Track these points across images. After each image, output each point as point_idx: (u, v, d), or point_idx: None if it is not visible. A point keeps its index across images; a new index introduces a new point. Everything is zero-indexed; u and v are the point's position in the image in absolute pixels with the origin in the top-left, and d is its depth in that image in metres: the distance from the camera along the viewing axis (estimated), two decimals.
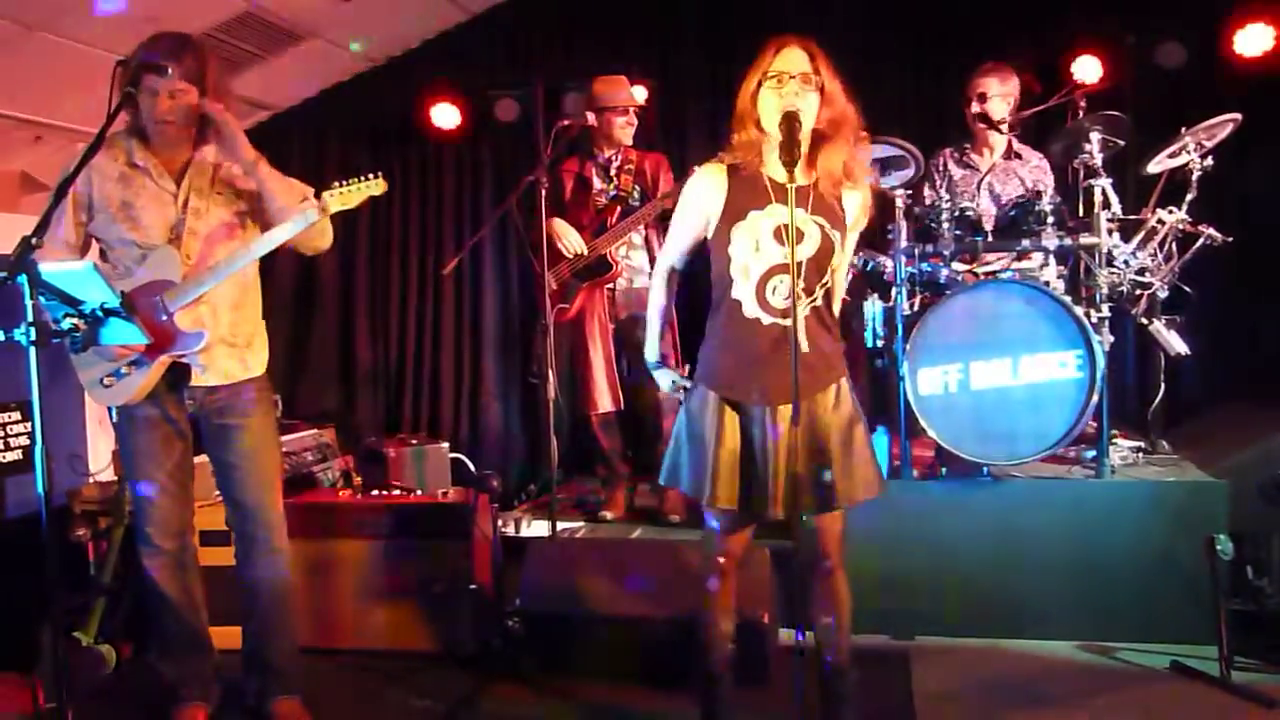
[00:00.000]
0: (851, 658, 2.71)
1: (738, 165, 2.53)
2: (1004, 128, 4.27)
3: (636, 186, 4.16)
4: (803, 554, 2.63)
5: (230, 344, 3.00)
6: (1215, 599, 3.26)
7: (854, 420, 2.56)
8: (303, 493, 4.09)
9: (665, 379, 2.77)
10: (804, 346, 2.45)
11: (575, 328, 4.23)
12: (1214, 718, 3.02)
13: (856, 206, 2.57)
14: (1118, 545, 3.59)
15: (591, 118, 4.16)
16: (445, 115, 5.33)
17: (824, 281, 2.52)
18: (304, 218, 2.93)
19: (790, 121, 2.39)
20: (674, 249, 2.70)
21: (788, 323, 2.44)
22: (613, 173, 4.20)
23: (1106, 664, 3.46)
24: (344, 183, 2.95)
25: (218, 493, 3.32)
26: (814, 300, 2.52)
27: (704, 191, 2.57)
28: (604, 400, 4.15)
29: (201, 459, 3.17)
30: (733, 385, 2.55)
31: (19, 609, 3.56)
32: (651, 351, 2.77)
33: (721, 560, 2.66)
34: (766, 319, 2.51)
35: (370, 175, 2.97)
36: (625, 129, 4.17)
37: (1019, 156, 4.43)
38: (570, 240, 4.11)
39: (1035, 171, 4.42)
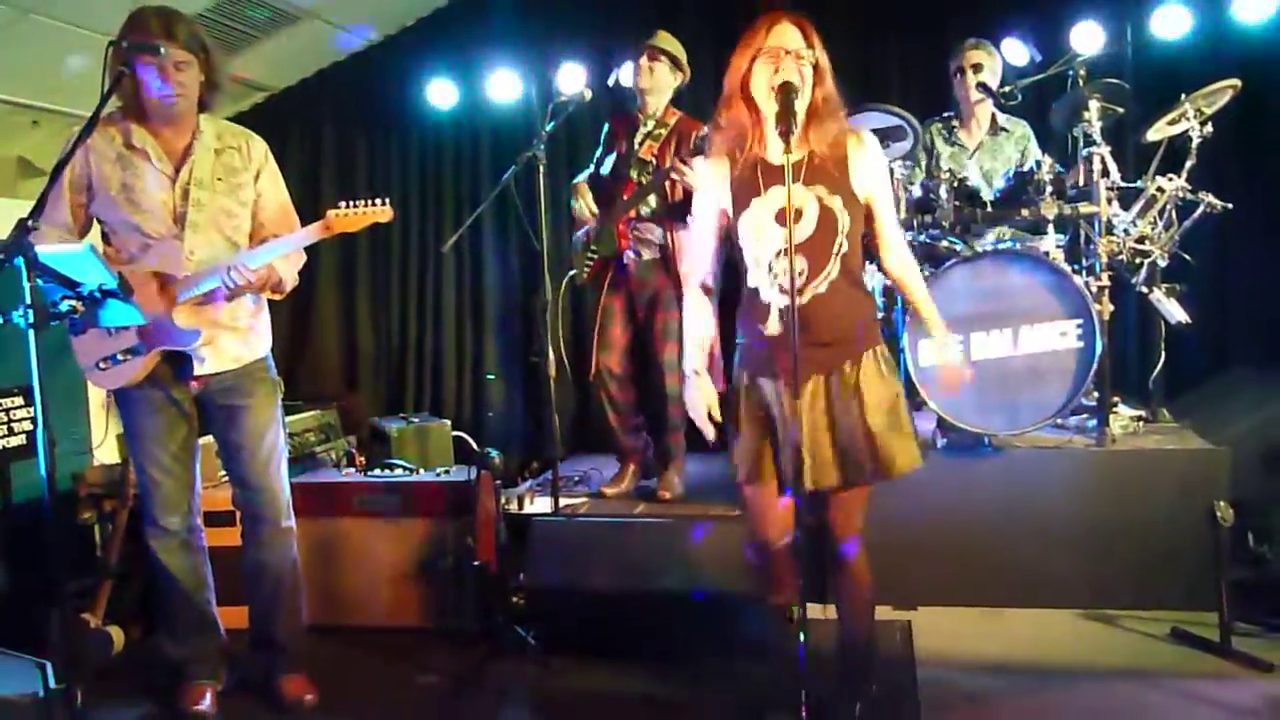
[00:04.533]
0: (870, 633, 2.73)
1: (735, 155, 2.54)
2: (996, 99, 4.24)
3: (654, 158, 4.05)
4: (821, 529, 2.63)
5: (231, 329, 3.01)
6: (1216, 566, 3.27)
7: (884, 391, 2.52)
8: (306, 472, 4.11)
9: (693, 391, 2.66)
10: (815, 324, 2.46)
11: (593, 294, 4.20)
12: (1214, 682, 3.03)
13: (865, 157, 2.52)
14: (1119, 514, 3.61)
15: (583, 88, 4.08)
16: (442, 93, 5.31)
17: (837, 250, 2.49)
18: (309, 233, 2.93)
19: (786, 92, 2.38)
20: (697, 255, 2.68)
21: (800, 301, 2.45)
22: (638, 139, 4.06)
23: (1108, 631, 3.48)
24: (351, 204, 2.93)
25: (223, 473, 3.36)
26: (827, 276, 2.49)
27: (706, 185, 2.60)
28: (606, 356, 4.12)
29: (207, 440, 3.20)
30: (758, 367, 2.58)
31: (28, 591, 3.60)
32: (688, 361, 2.70)
33: (759, 545, 2.67)
34: (780, 301, 2.50)
35: (377, 201, 2.95)
36: (648, 75, 3.97)
37: (1005, 130, 4.41)
38: (579, 206, 4.09)
39: (1021, 141, 4.40)
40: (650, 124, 4.05)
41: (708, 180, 2.61)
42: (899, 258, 2.63)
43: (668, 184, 3.96)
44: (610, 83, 4.16)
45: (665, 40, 4.03)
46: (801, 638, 2.42)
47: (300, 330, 5.65)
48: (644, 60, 4.00)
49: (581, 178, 4.22)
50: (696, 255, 2.69)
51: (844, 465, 2.50)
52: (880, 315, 4.18)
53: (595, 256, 4.09)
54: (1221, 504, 3.26)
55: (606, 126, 4.23)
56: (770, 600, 2.76)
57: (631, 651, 3.34)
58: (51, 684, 2.75)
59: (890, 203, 2.61)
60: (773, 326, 2.52)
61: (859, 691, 2.71)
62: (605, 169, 4.14)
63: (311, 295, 5.62)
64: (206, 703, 3.09)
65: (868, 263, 4.22)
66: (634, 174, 4.02)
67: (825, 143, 2.49)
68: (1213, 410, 4.10)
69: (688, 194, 3.90)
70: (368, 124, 5.64)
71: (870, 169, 2.53)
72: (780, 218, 2.46)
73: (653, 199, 4.01)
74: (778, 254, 2.48)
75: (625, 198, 4.01)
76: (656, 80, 4.01)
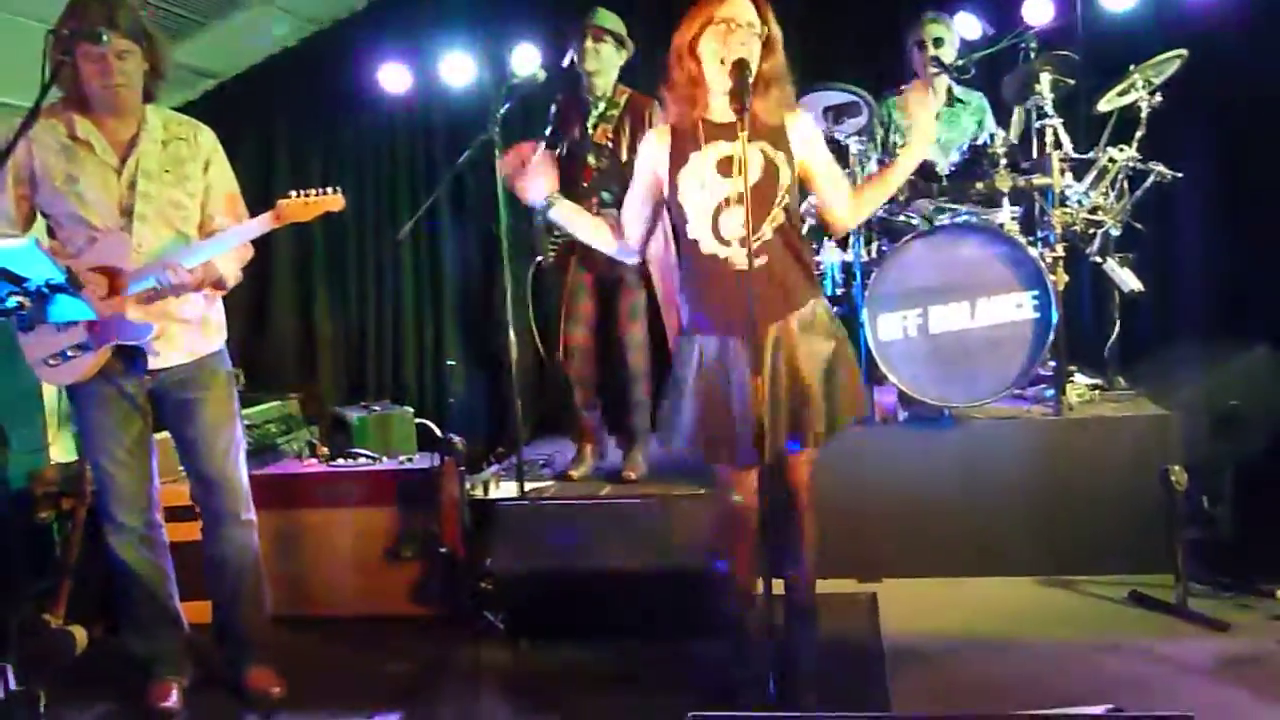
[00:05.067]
0: (815, 599, 2.75)
1: (675, 125, 2.59)
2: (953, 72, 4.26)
3: (609, 141, 4.00)
4: (772, 493, 2.64)
5: (184, 321, 2.96)
6: (1171, 529, 3.33)
7: (831, 340, 2.57)
8: (268, 464, 4.07)
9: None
10: (764, 273, 2.49)
11: (554, 280, 4.17)
12: (1171, 643, 3.10)
13: (801, 127, 2.59)
14: (1076, 481, 3.67)
15: (537, 69, 4.03)
16: (394, 77, 5.24)
17: (779, 200, 2.52)
18: (258, 224, 2.89)
19: (741, 69, 2.40)
20: (628, 218, 2.72)
21: (733, 255, 2.50)
22: (591, 121, 4.00)
23: (1068, 596, 3.55)
24: (301, 193, 2.89)
25: (182, 468, 3.32)
26: (773, 221, 2.52)
27: (650, 150, 2.63)
28: (574, 333, 4.08)
29: (164, 435, 3.16)
30: (704, 324, 2.59)
31: None
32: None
33: (734, 507, 2.68)
34: (723, 252, 2.53)
35: (328, 189, 2.91)
36: (595, 56, 3.91)
37: (961, 102, 4.44)
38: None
39: (977, 113, 4.44)
40: (601, 105, 4.01)
41: (647, 147, 2.65)
42: (849, 198, 2.67)
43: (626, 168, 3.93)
44: (565, 63, 4.12)
45: (606, 18, 3.98)
46: (770, 613, 2.45)
47: (257, 321, 5.58)
48: (589, 43, 3.94)
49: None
50: (628, 218, 2.73)
51: (788, 426, 2.52)
52: (840, 291, 4.22)
53: (560, 239, 4.07)
54: (1175, 468, 3.31)
55: (554, 108, 4.17)
56: (733, 575, 2.77)
57: (601, 632, 3.35)
58: (13, 685, 2.71)
59: (835, 166, 2.67)
60: (719, 276, 2.53)
61: (810, 659, 2.74)
62: (561, 152, 4.09)
63: (268, 285, 5.55)
64: (173, 699, 3.05)
65: (826, 241, 4.28)
66: (591, 159, 3.99)
67: (765, 110, 2.52)
68: (1164, 376, 4.18)
69: None
70: (320, 110, 5.55)
71: (806, 137, 2.59)
72: (722, 168, 2.51)
73: (614, 183, 3.98)
74: (723, 201, 2.51)
75: (585, 184, 3.98)
76: (603, 60, 3.96)
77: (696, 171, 2.55)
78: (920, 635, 3.27)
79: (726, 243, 2.53)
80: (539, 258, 4.10)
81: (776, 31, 2.51)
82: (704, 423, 2.58)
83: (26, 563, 3.73)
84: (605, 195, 3.97)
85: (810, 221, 3.93)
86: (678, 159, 2.57)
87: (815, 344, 2.55)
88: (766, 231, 2.52)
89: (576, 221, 2.77)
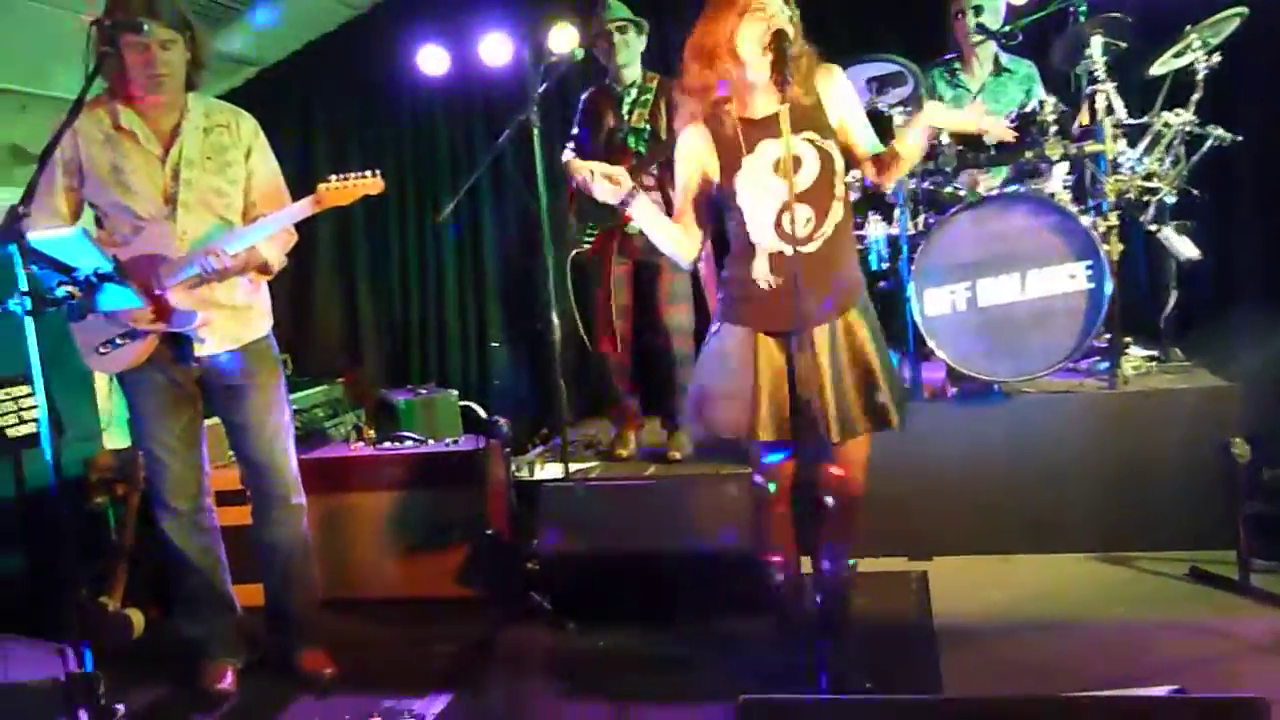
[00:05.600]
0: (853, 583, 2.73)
1: (712, 119, 2.52)
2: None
3: (648, 125, 4.00)
4: (811, 480, 2.60)
5: (230, 308, 2.98)
6: (1232, 503, 3.24)
7: (878, 341, 2.57)
8: (315, 448, 4.11)
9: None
10: (823, 272, 2.47)
11: (594, 270, 4.16)
12: (1233, 620, 3.02)
13: (831, 85, 2.52)
14: (1133, 455, 3.58)
15: (575, 48, 4.01)
16: (433, 60, 5.22)
17: (838, 194, 2.49)
18: (299, 208, 2.89)
19: (780, 40, 2.36)
20: (686, 219, 2.63)
21: (808, 250, 2.46)
22: (625, 108, 4.04)
23: (1125, 573, 3.47)
24: (341, 177, 2.89)
25: (232, 453, 3.36)
26: (834, 220, 2.49)
27: (694, 152, 2.56)
28: (605, 343, 4.10)
29: (214, 421, 3.19)
30: (768, 318, 2.53)
31: (46, 578, 3.62)
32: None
33: (774, 491, 2.66)
34: (789, 250, 2.47)
35: (368, 172, 2.90)
36: (624, 50, 3.96)
37: (1008, 71, 4.33)
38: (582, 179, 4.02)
39: (1026, 82, 4.32)
40: (634, 91, 4.02)
41: (688, 148, 2.57)
42: (882, 157, 2.58)
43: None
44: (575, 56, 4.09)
45: (620, 8, 4.00)
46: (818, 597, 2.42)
47: (301, 307, 5.63)
48: (616, 37, 3.96)
49: (568, 155, 4.12)
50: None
51: (866, 411, 2.50)
52: (885, 265, 4.15)
53: (595, 231, 4.05)
54: (1237, 440, 3.22)
55: (583, 103, 4.15)
56: (772, 557, 2.73)
57: (648, 613, 3.34)
58: (72, 668, 2.76)
59: (866, 123, 2.59)
60: (779, 277, 2.50)
61: (845, 641, 2.71)
62: (599, 142, 4.06)
63: (311, 271, 5.60)
64: (228, 680, 3.11)
65: (871, 215, 4.21)
66: (631, 142, 3.97)
67: (802, 89, 2.47)
68: (1224, 347, 4.06)
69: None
70: (359, 95, 5.58)
71: (842, 99, 2.53)
72: (778, 169, 2.45)
73: (654, 168, 3.95)
74: (784, 204, 2.45)
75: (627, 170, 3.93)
76: (631, 50, 4.00)
77: (753, 176, 2.49)
78: (972, 614, 3.22)
79: (791, 240, 2.45)
80: (576, 251, 4.08)
81: (798, 17, 2.47)
82: (757, 409, 2.53)
83: (83, 548, 3.79)
84: (646, 179, 3.95)
85: (854, 195, 3.86)
86: (729, 163, 2.51)
87: (875, 332, 2.55)
88: (829, 228, 2.48)
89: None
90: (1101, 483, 3.59)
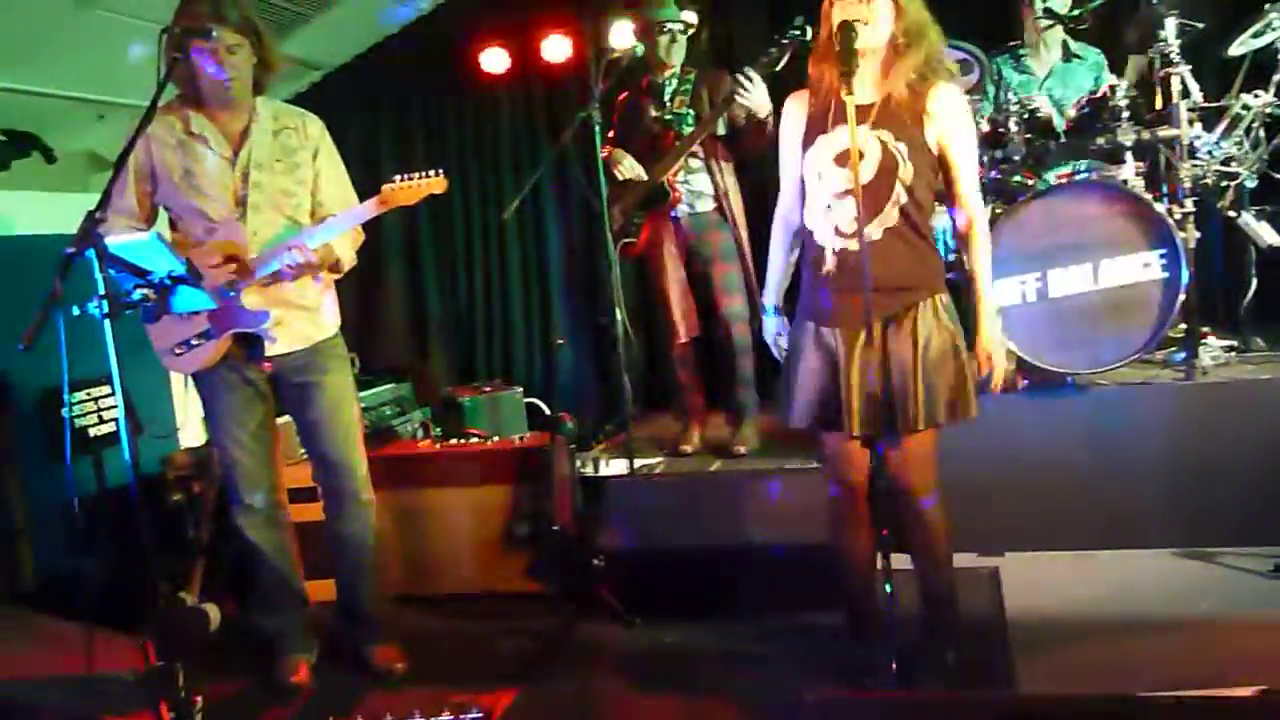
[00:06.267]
0: (950, 587, 2.68)
1: (817, 89, 2.51)
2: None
3: (690, 110, 4.01)
4: (883, 477, 2.58)
5: (300, 307, 3.04)
6: None
7: (941, 340, 2.47)
8: (384, 446, 4.17)
9: (771, 325, 2.75)
10: (845, 277, 2.45)
11: (646, 261, 4.15)
12: None
13: (945, 108, 2.46)
14: (1213, 448, 3.48)
15: (635, 43, 4.03)
16: (495, 59, 5.27)
17: (895, 198, 2.44)
18: (366, 209, 2.93)
19: (844, 32, 2.33)
20: (784, 189, 2.66)
21: (850, 246, 2.44)
22: (667, 97, 4.07)
23: (1206, 570, 3.37)
24: (405, 177, 2.93)
25: (303, 451, 3.41)
26: (882, 223, 2.45)
27: (788, 122, 2.60)
28: (682, 329, 4.09)
29: (286, 420, 3.25)
30: (815, 312, 2.55)
31: (127, 573, 3.72)
32: (768, 296, 2.76)
33: (841, 484, 2.65)
34: (837, 244, 2.48)
35: (431, 172, 2.93)
36: (670, 49, 4.03)
37: (1078, 57, 4.23)
38: (625, 166, 4.02)
39: (1095, 69, 4.21)
40: (674, 82, 4.03)
41: (789, 117, 2.61)
42: (967, 220, 2.55)
43: (713, 129, 3.89)
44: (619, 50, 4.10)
45: (672, 10, 3.98)
46: (887, 590, 2.38)
47: (368, 305, 5.71)
48: (663, 39, 3.97)
49: (606, 151, 4.08)
50: (784, 189, 2.67)
51: (892, 413, 2.44)
52: (953, 256, 4.07)
53: (643, 219, 4.04)
54: None
55: (624, 98, 4.15)
56: (851, 551, 2.71)
57: (714, 609, 3.33)
58: (153, 661, 2.84)
59: (970, 162, 2.52)
60: (827, 267, 2.49)
61: (944, 645, 2.66)
62: (640, 131, 4.07)
63: (377, 270, 5.67)
64: (302, 674, 3.16)
65: (938, 203, 4.14)
66: (674, 124, 3.97)
67: (903, 85, 2.43)
68: None
69: (734, 132, 3.85)
70: (422, 96, 5.64)
71: (948, 121, 2.46)
72: (840, 159, 2.43)
73: (699, 149, 3.94)
74: (836, 195, 2.45)
75: (673, 145, 3.94)
76: (679, 50, 4.02)
77: (817, 159, 2.49)
78: (1046, 612, 3.15)
79: (841, 235, 2.47)
80: (627, 239, 4.07)
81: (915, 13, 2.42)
82: (811, 402, 2.56)
83: (161, 544, 3.89)
84: (692, 162, 3.95)
85: None
86: (808, 138, 2.53)
87: (922, 341, 2.45)
88: (874, 232, 2.43)
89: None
90: (1180, 476, 3.49)
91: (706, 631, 3.28)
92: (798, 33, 3.53)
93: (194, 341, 2.95)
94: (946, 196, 2.60)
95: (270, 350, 2.99)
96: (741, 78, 3.64)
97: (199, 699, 2.59)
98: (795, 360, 2.60)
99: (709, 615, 3.33)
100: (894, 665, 2.41)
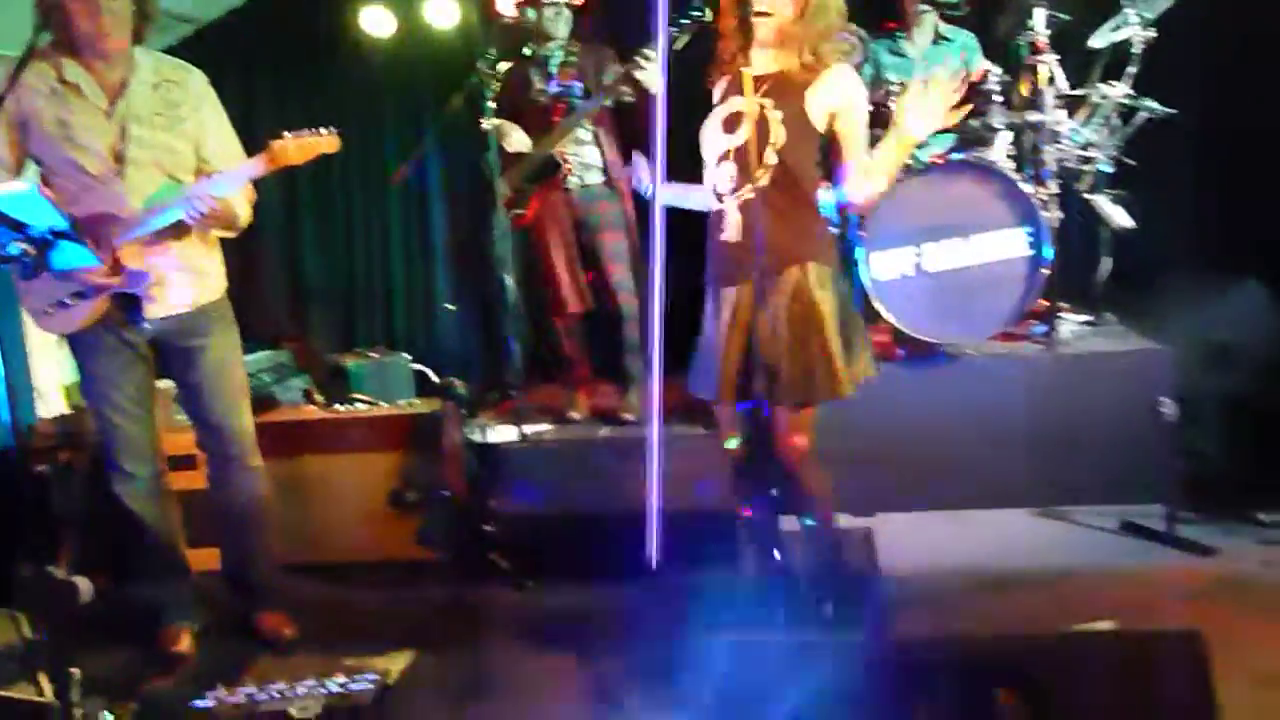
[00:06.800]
0: (832, 545, 2.82)
1: (723, 63, 2.64)
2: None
3: (576, 82, 4.03)
4: (763, 440, 2.68)
5: (183, 269, 2.95)
6: (1161, 460, 3.41)
7: (817, 310, 2.53)
8: (266, 412, 4.06)
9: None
10: (733, 235, 2.56)
11: (534, 232, 4.16)
12: (1161, 569, 3.20)
13: (833, 86, 2.54)
14: (1069, 414, 3.73)
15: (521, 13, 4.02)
16: (377, 20, 5.14)
17: (765, 160, 2.51)
18: (252, 166, 2.85)
19: (743, 6, 2.39)
20: None
21: (730, 204, 2.58)
22: (553, 69, 4.09)
23: (1062, 527, 3.63)
24: (296, 134, 2.83)
25: (180, 416, 3.32)
26: (756, 183, 2.50)
27: (715, 93, 2.69)
28: (571, 301, 4.12)
29: (165, 384, 3.15)
30: (710, 273, 2.68)
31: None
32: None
33: (730, 447, 2.76)
34: (716, 205, 2.62)
35: (323, 130, 2.86)
36: (555, 21, 4.03)
37: (946, 39, 4.43)
38: (514, 139, 4.01)
39: (964, 51, 4.42)
40: (559, 54, 4.04)
41: (715, 94, 2.71)
42: (860, 187, 2.60)
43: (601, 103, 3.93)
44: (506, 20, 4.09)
45: None
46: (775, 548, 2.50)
47: (244, 270, 5.49)
48: (549, 12, 3.98)
49: (492, 122, 4.09)
50: None
51: (757, 381, 2.50)
52: (835, 230, 4.22)
53: (532, 190, 4.05)
54: (1166, 401, 3.38)
55: (511, 68, 4.10)
56: (742, 510, 2.82)
57: (606, 570, 3.38)
58: (28, 634, 2.74)
59: (860, 138, 2.59)
60: (714, 227, 2.64)
61: (825, 598, 2.80)
62: (526, 102, 4.06)
63: (253, 235, 5.47)
64: (185, 643, 3.10)
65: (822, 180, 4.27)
66: (563, 98, 3.99)
67: (798, 66, 2.52)
68: (1154, 311, 4.22)
69: (620, 109, 3.90)
70: (301, 56, 5.46)
71: (840, 100, 2.54)
72: (725, 124, 2.58)
73: (587, 122, 3.97)
74: (717, 159, 2.60)
75: (558, 121, 3.96)
76: (564, 21, 4.03)
77: (710, 125, 2.62)
78: (918, 568, 3.34)
79: (720, 196, 2.61)
80: (516, 210, 4.07)
81: None
82: (705, 366, 2.67)
83: (28, 516, 3.72)
84: (581, 134, 3.98)
85: None
86: (714, 106, 2.66)
87: (795, 308, 2.52)
88: (750, 194, 2.51)
89: (689, 197, 2.73)
90: (1040, 440, 3.73)
91: (599, 592, 3.35)
92: (699, 14, 3.59)
93: (68, 301, 2.83)
94: (841, 171, 2.69)
95: (153, 312, 2.90)
96: (639, 59, 3.68)
97: (76, 671, 2.52)
98: (703, 324, 2.70)
99: (601, 577, 3.39)
100: (781, 617, 2.52)
